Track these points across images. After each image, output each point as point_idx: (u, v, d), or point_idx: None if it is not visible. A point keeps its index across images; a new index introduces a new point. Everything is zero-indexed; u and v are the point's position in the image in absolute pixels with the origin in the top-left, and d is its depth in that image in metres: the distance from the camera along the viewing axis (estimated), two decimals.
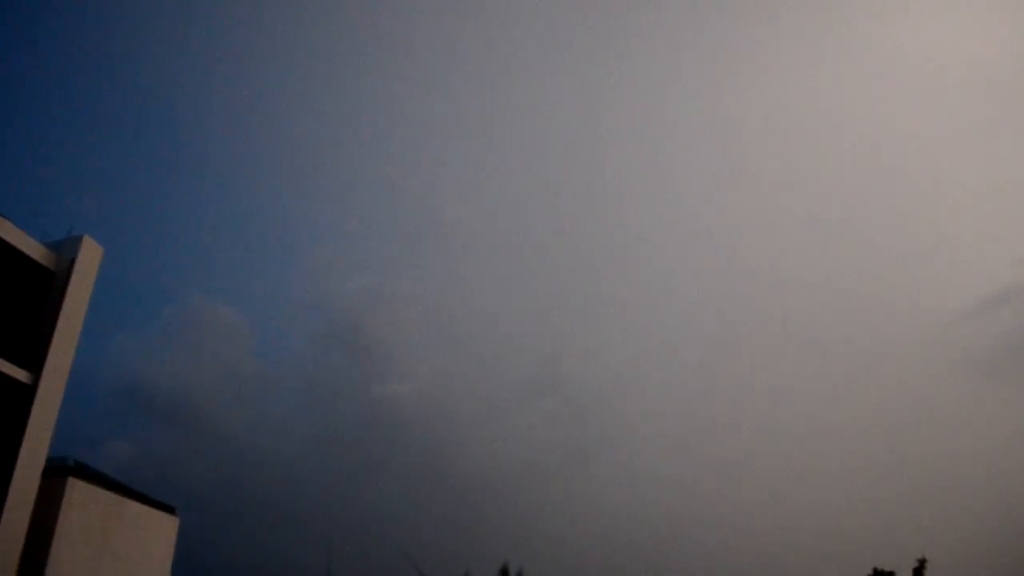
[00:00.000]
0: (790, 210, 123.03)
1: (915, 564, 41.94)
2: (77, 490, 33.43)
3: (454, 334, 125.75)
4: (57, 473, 33.68)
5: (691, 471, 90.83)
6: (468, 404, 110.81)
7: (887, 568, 42.20)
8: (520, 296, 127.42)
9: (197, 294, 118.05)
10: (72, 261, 35.13)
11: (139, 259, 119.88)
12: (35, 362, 33.04)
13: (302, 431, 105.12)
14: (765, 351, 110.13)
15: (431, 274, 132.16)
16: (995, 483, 77.92)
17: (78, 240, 35.78)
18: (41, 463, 32.11)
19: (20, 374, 32.40)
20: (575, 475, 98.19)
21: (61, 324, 33.92)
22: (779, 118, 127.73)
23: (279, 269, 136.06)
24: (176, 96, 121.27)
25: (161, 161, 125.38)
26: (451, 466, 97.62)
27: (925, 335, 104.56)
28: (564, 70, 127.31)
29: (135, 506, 33.14)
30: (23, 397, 32.27)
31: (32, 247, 34.46)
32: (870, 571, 42.31)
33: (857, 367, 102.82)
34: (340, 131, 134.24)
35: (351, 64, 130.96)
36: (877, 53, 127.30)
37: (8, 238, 33.44)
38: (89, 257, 35.90)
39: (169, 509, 34.84)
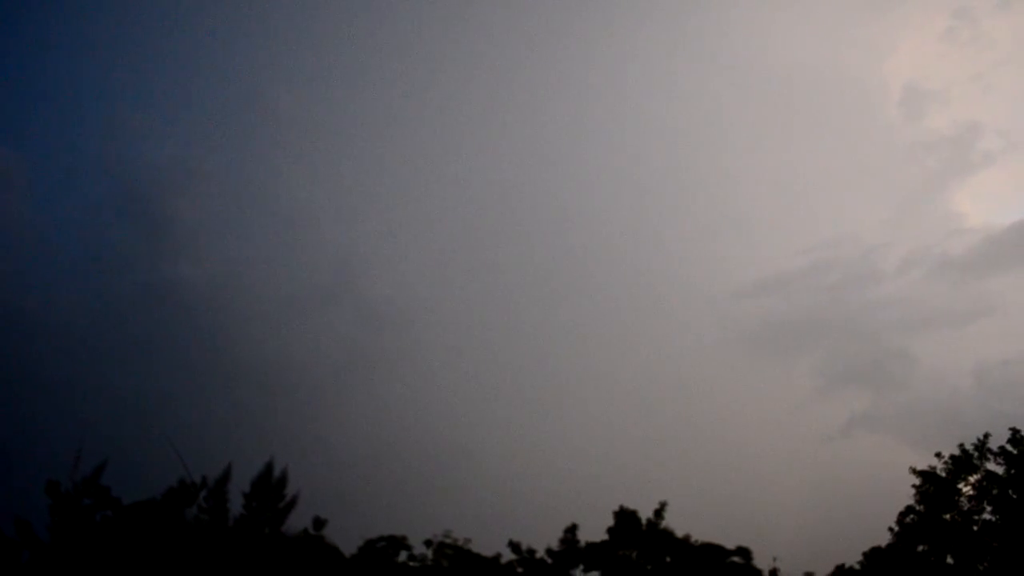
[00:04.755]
0: (612, 173, 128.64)
1: (657, 506, 45.60)
2: None
3: (255, 224, 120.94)
4: None
5: (470, 405, 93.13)
6: (260, 297, 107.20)
7: (631, 508, 45.41)
8: (328, 195, 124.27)
9: None
10: None
11: None
12: None
13: (74, 299, 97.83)
14: (559, 291, 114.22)
15: (239, 158, 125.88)
16: (736, 436, 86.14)
17: None
18: None
19: None
20: (359, 386, 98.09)
21: None
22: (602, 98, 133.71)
23: (71, 119, 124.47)
24: None
25: None
26: (232, 359, 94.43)
27: (702, 307, 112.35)
28: None
29: None
30: None
31: None
32: (617, 508, 45.37)
33: (637, 325, 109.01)
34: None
35: None
36: (699, 51, 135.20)
37: None
38: None
39: None
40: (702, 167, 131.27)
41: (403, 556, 45.40)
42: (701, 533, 46.91)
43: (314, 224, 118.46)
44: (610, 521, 46.37)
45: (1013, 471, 36.24)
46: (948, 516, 37.10)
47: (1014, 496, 35.86)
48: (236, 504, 34.99)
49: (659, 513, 46.26)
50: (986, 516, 36.58)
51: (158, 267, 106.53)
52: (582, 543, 46.30)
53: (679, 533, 46.29)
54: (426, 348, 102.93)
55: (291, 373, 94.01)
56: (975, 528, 36.54)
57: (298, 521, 36.74)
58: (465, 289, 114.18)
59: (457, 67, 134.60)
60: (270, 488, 35.58)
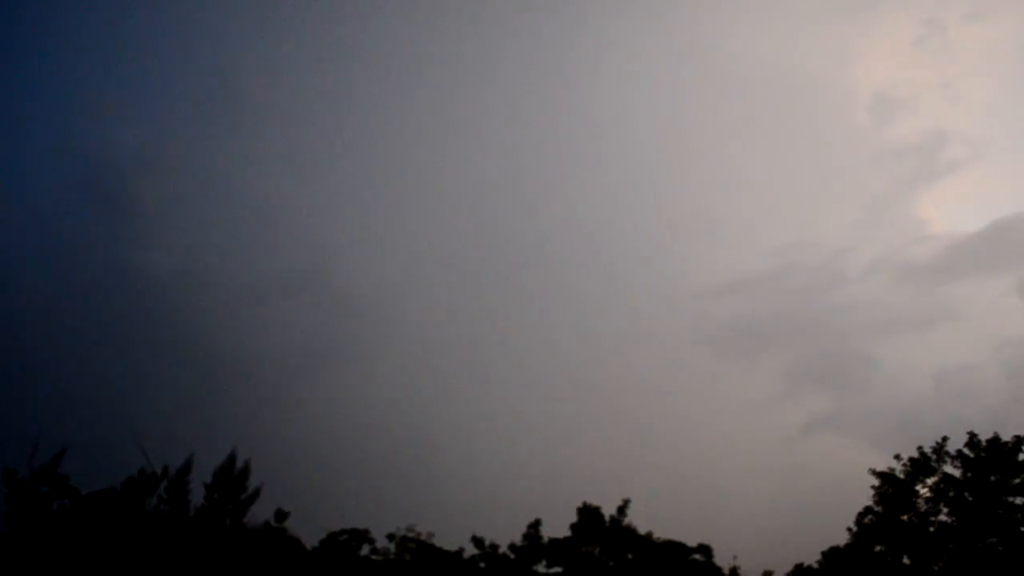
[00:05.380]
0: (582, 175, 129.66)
1: (620, 504, 45.87)
2: None
3: (226, 211, 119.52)
4: None
5: (438, 399, 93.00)
6: (228, 286, 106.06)
7: (595, 504, 45.66)
8: (301, 185, 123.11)
9: None
10: None
11: None
12: None
13: (36, 282, 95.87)
14: (530, 288, 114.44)
15: (211, 144, 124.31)
16: (699, 434, 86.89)
17: None
18: None
19: None
20: (327, 379, 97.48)
21: None
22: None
23: (34, 99, 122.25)
24: None
25: None
26: (198, 347, 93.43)
27: (670, 304, 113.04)
28: None
29: None
30: None
31: None
32: (580, 504, 45.60)
33: (606, 322, 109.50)
34: None
35: None
36: (670, 52, 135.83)
37: None
38: None
39: None
40: (671, 166, 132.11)
41: (366, 549, 45.31)
42: (663, 530, 47.31)
43: (286, 214, 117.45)
44: (573, 517, 46.58)
45: (969, 474, 36.94)
46: (905, 517, 37.71)
47: (970, 499, 36.55)
48: (197, 495, 34.53)
49: (622, 510, 46.54)
50: (942, 518, 37.25)
51: (125, 252, 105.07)
52: (545, 539, 46.46)
53: (641, 530, 46.62)
54: (396, 342, 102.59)
55: (259, 363, 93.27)
56: (931, 530, 37.19)
57: (260, 513, 36.39)
58: (438, 283, 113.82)
59: (434, 61, 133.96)
60: (232, 479, 35.15)
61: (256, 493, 35.59)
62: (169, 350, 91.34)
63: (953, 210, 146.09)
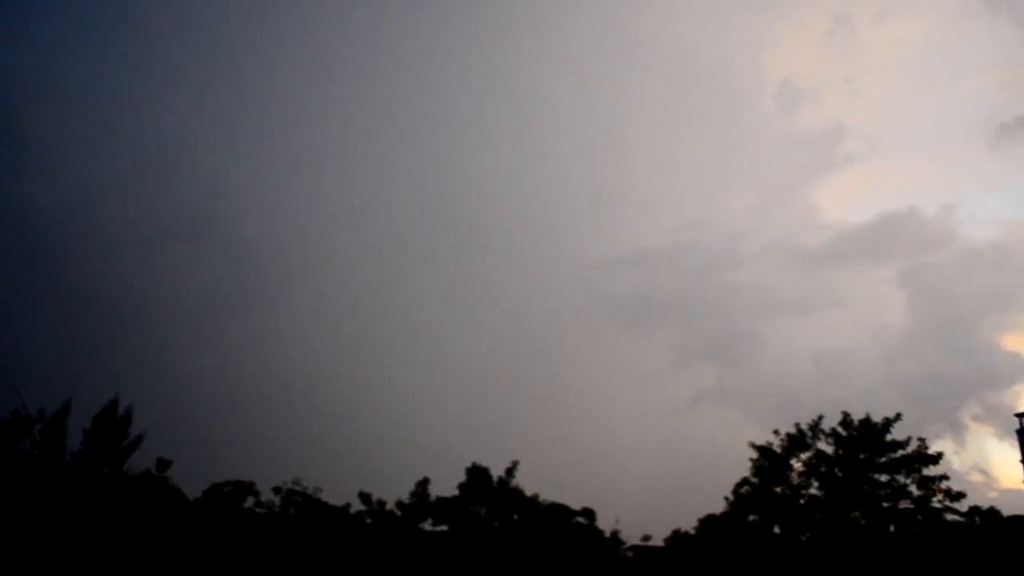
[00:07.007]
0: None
1: (508, 465, 46.37)
2: None
3: (118, 146, 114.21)
4: None
5: (331, 355, 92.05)
6: (118, 224, 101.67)
7: (484, 465, 45.95)
8: (202, 125, 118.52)
9: None
10: None
11: None
12: None
13: None
14: (432, 247, 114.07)
15: (106, 73, 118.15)
16: (589, 402, 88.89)
17: None
18: None
19: None
20: (218, 327, 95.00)
21: None
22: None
23: None
24: None
25: None
26: (82, 286, 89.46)
27: (565, 276, 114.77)
28: None
29: None
30: None
31: None
32: (469, 464, 45.84)
33: (503, 286, 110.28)
34: None
35: None
36: (578, 28, 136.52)
37: None
38: None
39: None
40: (578, 140, 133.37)
41: (250, 502, 44.49)
42: (550, 493, 48.13)
43: (184, 154, 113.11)
44: (463, 477, 46.82)
45: (841, 451, 38.89)
46: (779, 489, 39.47)
47: (839, 474, 38.51)
48: (75, 441, 33.20)
49: (510, 472, 46.98)
50: (813, 491, 39.15)
51: (6, 184, 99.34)
52: (433, 497, 46.59)
53: (528, 492, 47.26)
54: (290, 293, 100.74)
55: (147, 307, 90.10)
56: (802, 502, 39.06)
57: (142, 462, 35.28)
58: (337, 238, 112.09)
59: (338, 12, 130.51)
60: (113, 425, 33.93)
61: (138, 441, 34.44)
62: (51, 290, 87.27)
63: (845, 201, 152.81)
